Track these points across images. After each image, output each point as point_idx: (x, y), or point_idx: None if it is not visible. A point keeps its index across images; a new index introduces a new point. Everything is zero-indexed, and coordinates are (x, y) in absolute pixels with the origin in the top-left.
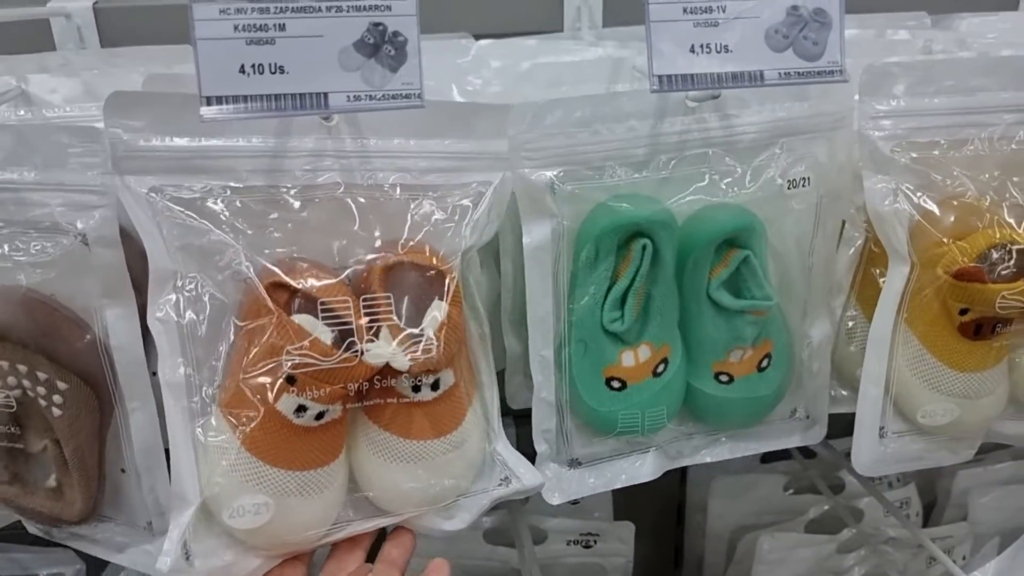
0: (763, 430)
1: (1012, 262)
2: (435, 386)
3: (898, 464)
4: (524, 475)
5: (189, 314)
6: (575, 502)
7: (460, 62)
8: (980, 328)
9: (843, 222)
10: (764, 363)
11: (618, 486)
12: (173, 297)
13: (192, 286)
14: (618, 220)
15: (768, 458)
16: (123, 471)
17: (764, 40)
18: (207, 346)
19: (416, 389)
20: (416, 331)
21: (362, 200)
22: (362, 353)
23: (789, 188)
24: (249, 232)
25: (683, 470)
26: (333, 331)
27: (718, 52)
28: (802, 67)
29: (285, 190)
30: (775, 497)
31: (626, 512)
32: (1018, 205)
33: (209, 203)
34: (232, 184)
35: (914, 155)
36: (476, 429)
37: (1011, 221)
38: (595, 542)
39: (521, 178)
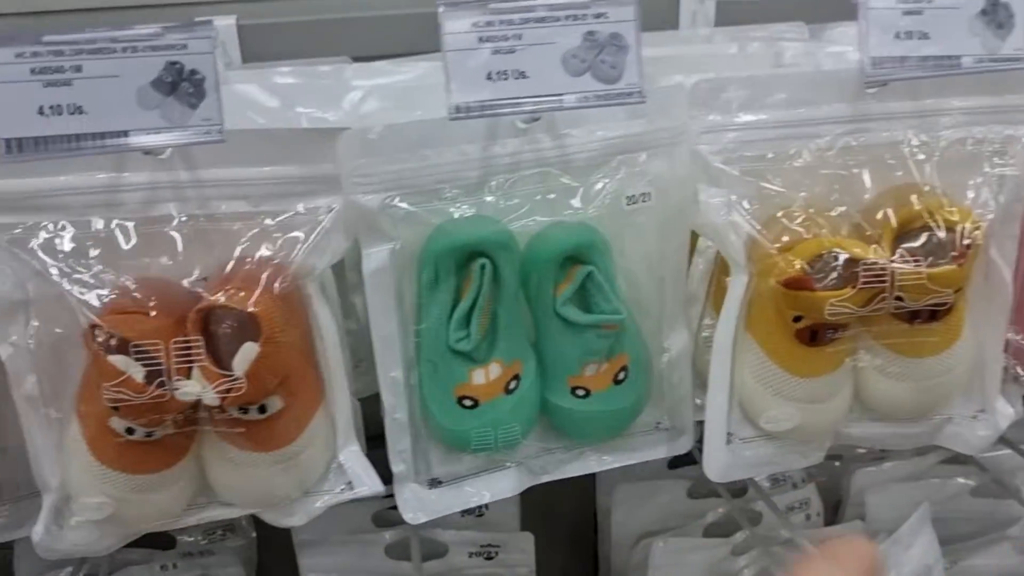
0: (627, 442)
1: (839, 271)
2: (262, 410)
3: (748, 469)
4: (365, 482)
5: (39, 338)
6: (480, 514)
7: None
8: (816, 334)
9: (691, 233)
10: (621, 376)
11: (478, 503)
12: (22, 324)
13: (37, 318)
14: (454, 241)
15: (675, 463)
16: None
17: (561, 65)
18: (58, 364)
19: (244, 411)
20: (227, 372)
21: (194, 231)
22: (174, 390)
23: (628, 204)
24: (81, 270)
25: (594, 477)
26: (145, 370)
27: (515, 78)
28: (601, 90)
29: (119, 225)
30: (679, 502)
31: (539, 522)
32: (844, 215)
33: (43, 242)
34: (67, 221)
35: (745, 168)
36: (315, 442)
37: (835, 230)
38: (497, 553)
39: (354, 203)
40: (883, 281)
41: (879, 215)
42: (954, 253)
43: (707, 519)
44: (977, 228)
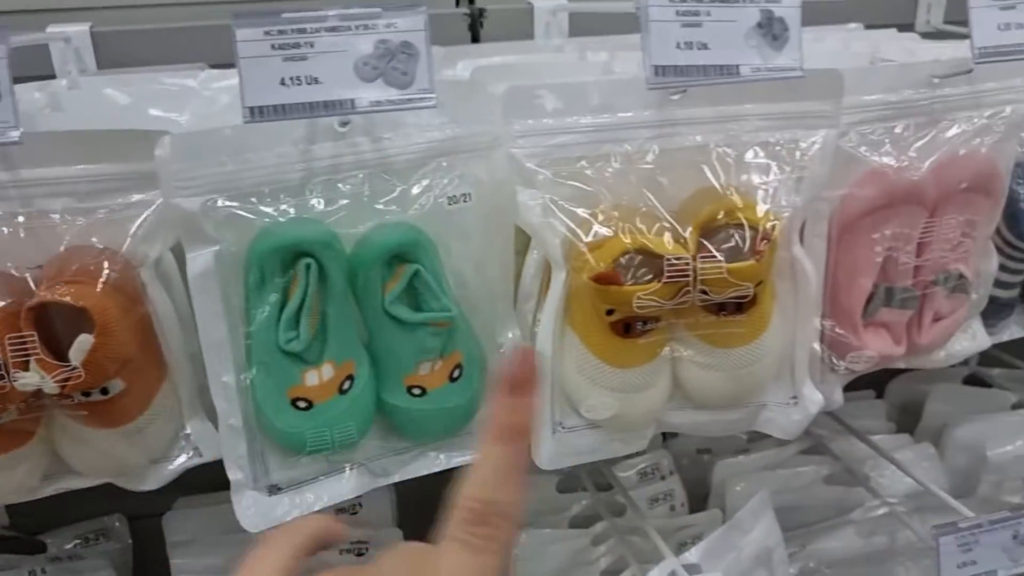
0: (473, 439)
1: (645, 266)
2: (104, 391)
3: (575, 457)
4: (206, 451)
5: None
6: (354, 511)
7: None
8: (629, 327)
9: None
10: (456, 374)
11: (319, 508)
12: None
13: None
14: (278, 242)
15: None
16: None
17: (354, 71)
18: None
19: (87, 395)
20: (64, 363)
21: (30, 229)
22: (13, 382)
23: (450, 204)
24: None
25: None
26: None
27: (308, 84)
28: (394, 95)
29: None
30: (548, 496)
31: (417, 516)
32: (653, 215)
33: None
34: None
35: (558, 171)
36: (160, 416)
37: (643, 228)
38: (367, 549)
39: (175, 206)
40: (686, 276)
41: (684, 215)
42: (752, 250)
43: (572, 511)
44: (774, 226)
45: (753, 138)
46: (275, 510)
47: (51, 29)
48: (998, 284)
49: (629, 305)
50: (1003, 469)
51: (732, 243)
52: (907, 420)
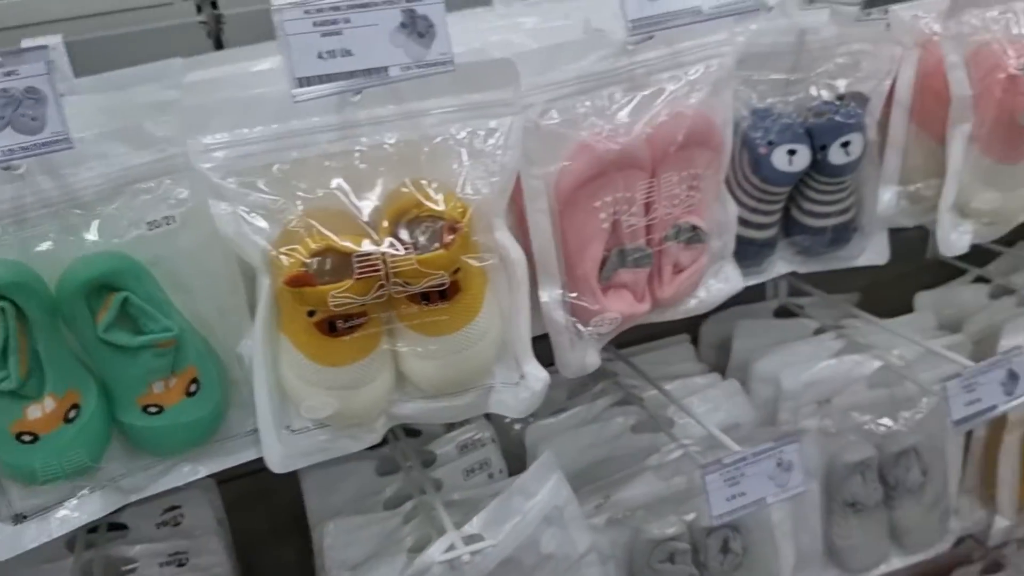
0: (223, 447)
1: (338, 265)
2: None
3: (305, 457)
4: None
5: None
6: (177, 523)
7: None
8: (333, 325)
9: None
10: (192, 388)
11: (67, 531)
12: None
13: None
14: None
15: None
16: None
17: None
18: None
19: None
20: None
21: None
22: None
23: (152, 228)
24: None
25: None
26: None
27: None
28: (26, 142)
29: None
30: (368, 481)
31: (246, 518)
32: (345, 215)
33: None
34: None
35: (246, 180)
36: None
37: (335, 229)
38: (188, 559)
39: None
40: (378, 270)
41: (379, 212)
42: (441, 240)
43: (386, 493)
44: (463, 214)
45: (439, 132)
46: (22, 538)
47: (26, 43)
48: (753, 226)
49: (325, 304)
50: (797, 395)
51: (424, 235)
52: (723, 358)
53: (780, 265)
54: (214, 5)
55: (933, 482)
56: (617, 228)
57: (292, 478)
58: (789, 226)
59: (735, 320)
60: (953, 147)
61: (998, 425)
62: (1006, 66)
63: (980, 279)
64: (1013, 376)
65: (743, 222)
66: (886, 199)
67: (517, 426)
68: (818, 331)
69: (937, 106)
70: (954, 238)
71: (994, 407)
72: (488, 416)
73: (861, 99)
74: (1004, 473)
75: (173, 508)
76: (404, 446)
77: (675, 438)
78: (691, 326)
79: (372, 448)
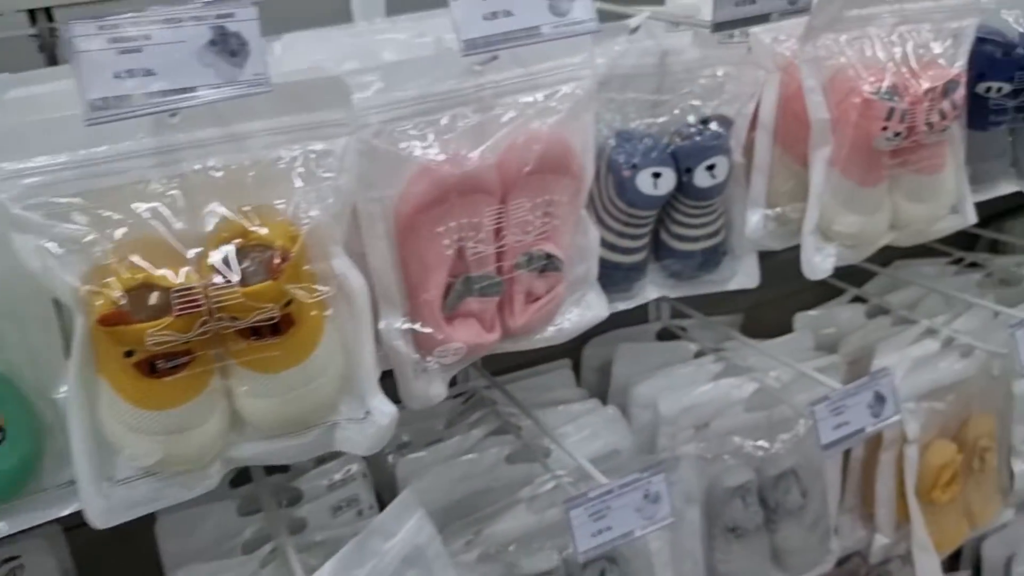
0: (35, 500)
1: (156, 301)
2: None
3: (132, 509)
4: None
5: None
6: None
7: None
8: (154, 366)
9: None
10: None
11: None
12: None
13: None
14: None
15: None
16: None
17: None
18: None
19: None
20: None
21: None
22: None
23: None
24: None
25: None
26: None
27: None
28: None
29: None
30: (229, 522)
31: (97, 570)
32: (165, 246)
33: None
34: None
35: (50, 211)
36: None
37: (152, 261)
38: None
39: None
40: (200, 305)
41: (198, 241)
42: (268, 270)
43: (246, 535)
44: (293, 242)
45: (267, 155)
46: None
47: None
48: (620, 251)
49: (143, 344)
50: (675, 420)
51: (251, 265)
52: (605, 382)
53: (651, 290)
54: (49, 17)
55: (813, 503)
56: (463, 255)
57: (149, 520)
58: (659, 250)
59: (616, 343)
60: (814, 171)
61: (874, 444)
62: (861, 90)
63: (858, 299)
64: (880, 398)
65: (610, 246)
66: (753, 222)
67: (391, 459)
68: (698, 354)
69: (799, 129)
70: (818, 261)
71: (862, 429)
72: None
73: (725, 122)
74: (881, 492)
75: (11, 559)
76: (268, 483)
77: (549, 469)
78: (573, 350)
79: (235, 485)
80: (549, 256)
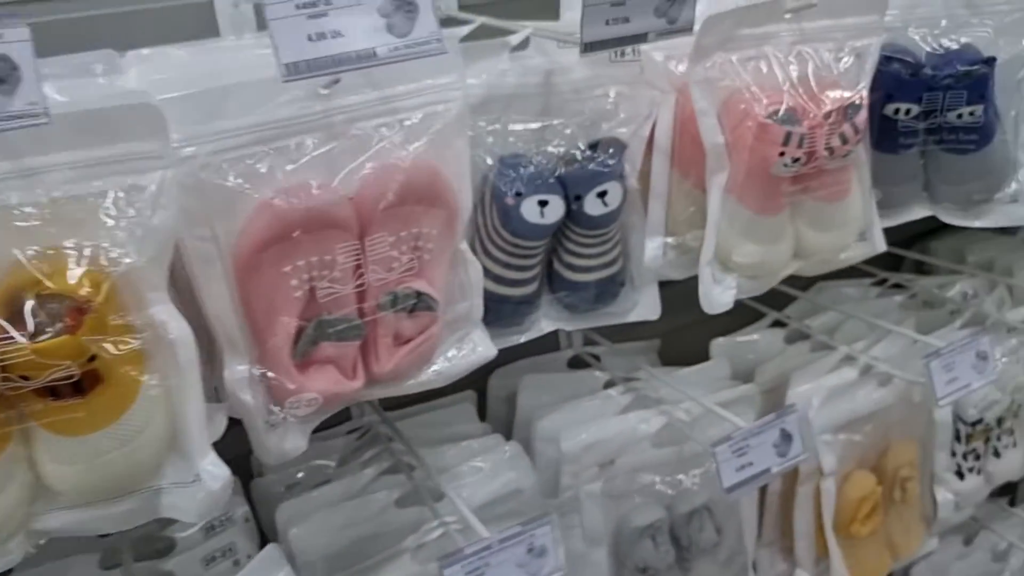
0: None
1: None
2: None
3: None
4: None
5: None
6: None
7: None
8: None
9: None
10: None
11: None
12: None
13: None
14: None
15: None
16: None
17: None
18: None
19: None
20: None
21: None
22: None
23: None
24: None
25: None
26: None
27: None
28: None
29: None
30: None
31: None
32: None
33: None
34: None
35: None
36: None
37: None
38: None
39: None
40: None
41: None
42: (66, 322)
43: None
44: (98, 290)
45: (68, 191)
46: None
47: None
48: (508, 283)
49: None
50: (577, 458)
51: (44, 318)
52: (512, 413)
53: (544, 323)
54: None
55: (728, 539)
56: (315, 296)
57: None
58: (552, 281)
59: (524, 373)
60: (711, 198)
61: (791, 477)
62: (756, 114)
63: (778, 323)
64: (786, 436)
65: (497, 279)
66: (652, 251)
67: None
68: (607, 384)
69: (697, 154)
70: (716, 293)
71: (768, 470)
72: (248, 485)
73: (618, 145)
74: (800, 526)
75: None
76: (136, 532)
77: (438, 515)
78: (479, 380)
79: (101, 535)
80: (419, 294)
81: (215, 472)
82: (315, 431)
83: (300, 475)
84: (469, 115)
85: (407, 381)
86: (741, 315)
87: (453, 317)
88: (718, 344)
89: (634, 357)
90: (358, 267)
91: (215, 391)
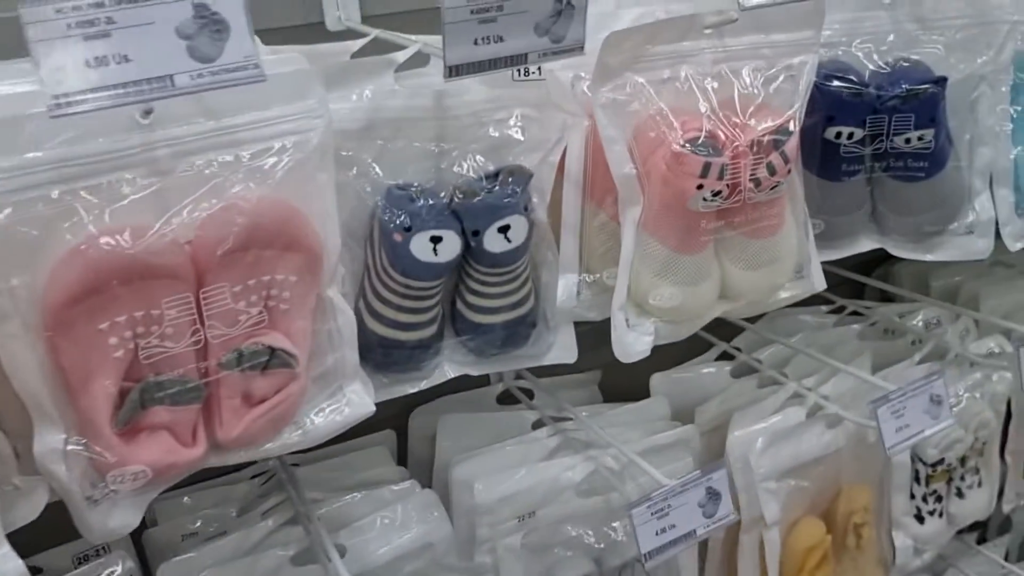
0: None
1: None
2: None
3: None
4: None
5: None
6: None
7: None
8: None
9: None
10: None
11: None
12: None
13: None
14: None
15: None
16: None
17: None
18: None
19: None
20: None
21: None
22: None
23: None
24: None
25: None
26: None
27: None
28: None
29: None
30: None
31: None
32: None
33: None
34: None
35: None
36: None
37: None
38: None
39: None
40: None
41: None
42: None
43: None
44: None
45: None
46: None
47: None
48: (401, 327)
49: None
50: (493, 510)
51: None
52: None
53: (448, 368)
54: None
55: None
56: (141, 356)
57: None
58: (455, 322)
59: (447, 411)
60: (624, 235)
61: (733, 525)
62: (670, 141)
63: (725, 355)
64: (713, 495)
65: (389, 322)
66: (565, 290)
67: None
68: (536, 424)
69: (613, 183)
70: (630, 341)
71: (692, 532)
72: (138, 538)
73: (522, 174)
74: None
75: None
76: None
77: (335, 572)
78: (399, 416)
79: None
80: (273, 350)
81: (5, 568)
82: (219, 474)
83: (197, 524)
84: (333, 145)
85: (264, 445)
86: (689, 343)
87: (321, 371)
88: (657, 379)
89: (571, 391)
90: (194, 322)
91: None
